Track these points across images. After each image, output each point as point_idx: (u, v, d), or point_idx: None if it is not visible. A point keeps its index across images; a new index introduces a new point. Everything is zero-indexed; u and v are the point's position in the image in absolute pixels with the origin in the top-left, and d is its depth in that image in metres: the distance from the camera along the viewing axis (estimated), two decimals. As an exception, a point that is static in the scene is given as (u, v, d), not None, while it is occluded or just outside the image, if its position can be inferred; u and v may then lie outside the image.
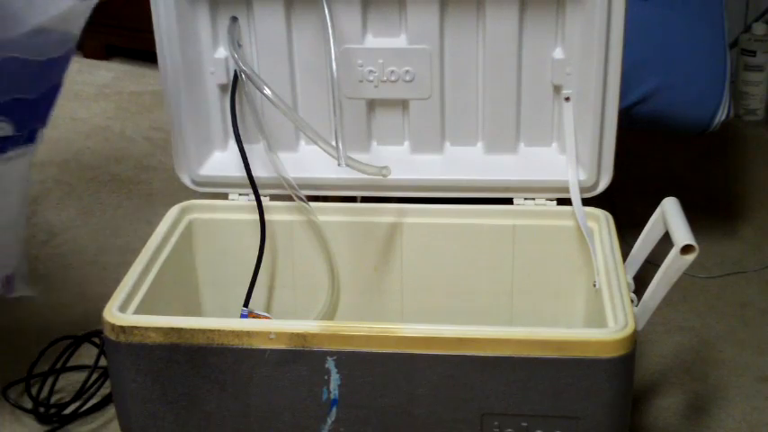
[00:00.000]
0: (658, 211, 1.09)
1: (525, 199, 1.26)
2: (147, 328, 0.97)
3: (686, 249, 0.99)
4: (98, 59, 2.62)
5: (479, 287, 1.27)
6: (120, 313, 1.01)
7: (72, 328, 1.43)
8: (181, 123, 1.24)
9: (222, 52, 1.25)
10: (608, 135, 1.22)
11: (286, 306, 1.31)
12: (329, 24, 1.19)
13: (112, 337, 0.99)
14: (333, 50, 1.18)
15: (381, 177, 1.24)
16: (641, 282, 1.09)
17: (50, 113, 0.98)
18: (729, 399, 1.31)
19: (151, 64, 2.45)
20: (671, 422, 1.27)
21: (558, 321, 1.24)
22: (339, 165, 1.18)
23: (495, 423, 0.97)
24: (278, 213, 1.26)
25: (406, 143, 1.30)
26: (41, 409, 1.30)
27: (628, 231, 1.30)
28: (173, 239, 1.20)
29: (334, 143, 1.20)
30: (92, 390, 1.32)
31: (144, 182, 1.91)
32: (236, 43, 1.22)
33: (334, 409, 0.98)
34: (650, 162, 1.91)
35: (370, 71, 1.25)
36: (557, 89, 1.24)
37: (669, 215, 1.06)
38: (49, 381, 1.33)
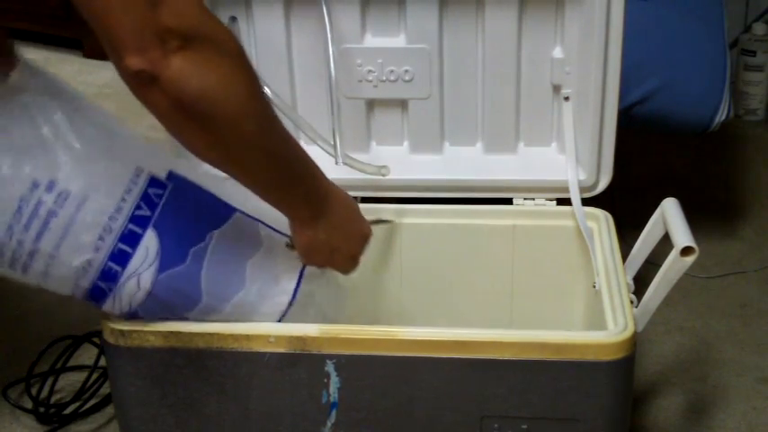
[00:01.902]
0: (658, 211, 1.09)
1: (525, 199, 1.26)
2: (146, 332, 0.97)
3: (686, 251, 0.99)
4: (98, 59, 2.62)
5: (479, 287, 1.27)
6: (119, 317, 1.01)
7: (72, 328, 1.43)
8: (180, 124, 1.24)
9: (221, 53, 1.25)
10: (608, 135, 1.22)
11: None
12: (327, 24, 1.19)
13: (111, 340, 0.98)
14: (331, 50, 1.18)
15: (380, 177, 1.24)
16: (641, 281, 1.08)
17: None
18: (729, 399, 1.31)
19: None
20: (671, 422, 1.27)
21: (558, 322, 1.24)
22: (336, 163, 1.18)
23: (495, 426, 0.97)
24: (277, 214, 1.26)
25: (406, 143, 1.30)
26: (41, 409, 1.30)
27: (628, 231, 1.30)
28: (172, 240, 1.19)
29: (332, 142, 1.20)
30: (92, 390, 1.32)
31: (143, 181, 1.91)
32: (235, 44, 1.22)
33: (333, 412, 0.98)
34: (650, 162, 1.91)
35: (370, 71, 1.24)
36: (556, 89, 1.24)
37: (669, 216, 1.05)
38: (49, 381, 1.33)
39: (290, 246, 0.99)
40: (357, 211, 1.01)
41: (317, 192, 0.93)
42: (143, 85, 0.75)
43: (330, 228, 0.96)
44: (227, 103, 0.77)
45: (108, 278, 0.92)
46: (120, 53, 0.73)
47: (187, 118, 0.76)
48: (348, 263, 1.03)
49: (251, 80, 0.79)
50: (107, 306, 0.95)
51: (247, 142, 0.81)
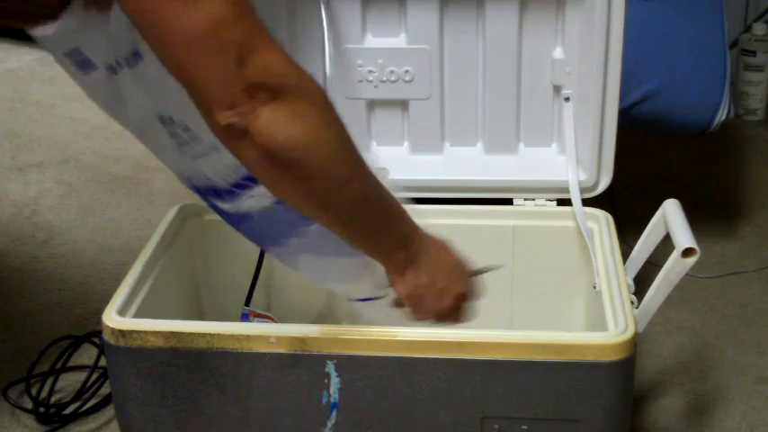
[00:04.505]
0: (659, 212, 1.09)
1: (525, 199, 1.26)
2: (146, 332, 0.97)
3: (687, 252, 0.99)
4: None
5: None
6: (119, 317, 1.01)
7: (72, 328, 1.43)
8: (180, 124, 1.24)
9: (222, 53, 1.25)
10: (608, 135, 1.22)
11: (286, 307, 1.30)
12: (325, 23, 1.19)
13: (112, 341, 0.99)
14: (328, 49, 1.18)
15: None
16: (642, 281, 1.08)
17: None
18: (729, 399, 1.30)
19: (150, 62, 2.43)
20: (671, 423, 1.27)
21: (558, 322, 1.24)
22: None
23: (496, 426, 0.97)
24: (278, 214, 1.26)
25: (406, 143, 1.30)
26: (41, 409, 1.30)
27: (628, 232, 1.30)
28: (172, 240, 1.19)
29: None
30: (92, 390, 1.32)
31: (144, 182, 1.91)
32: (235, 44, 1.22)
33: (334, 413, 0.98)
34: (650, 162, 1.91)
35: (370, 71, 1.25)
36: (557, 89, 1.24)
37: (670, 217, 1.05)
38: (49, 381, 1.33)
39: (398, 304, 0.96)
40: (450, 247, 0.98)
41: (408, 232, 0.92)
42: (234, 138, 0.76)
43: (430, 268, 0.94)
44: (317, 151, 0.78)
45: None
46: (210, 108, 0.75)
47: (279, 168, 0.78)
48: (459, 305, 0.97)
49: (339, 127, 0.80)
50: None
51: (340, 189, 0.82)
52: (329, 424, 0.99)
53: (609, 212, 1.21)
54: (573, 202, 1.22)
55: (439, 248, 0.96)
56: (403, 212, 0.92)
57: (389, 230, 0.90)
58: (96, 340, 1.38)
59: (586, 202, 1.22)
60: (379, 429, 0.99)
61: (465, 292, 0.97)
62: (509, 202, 1.26)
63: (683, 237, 1.00)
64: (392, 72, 1.24)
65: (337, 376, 0.96)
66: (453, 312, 0.97)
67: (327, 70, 1.19)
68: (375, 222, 0.88)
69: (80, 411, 1.30)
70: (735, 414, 1.28)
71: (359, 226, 0.87)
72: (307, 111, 0.77)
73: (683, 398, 1.31)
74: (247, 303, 1.24)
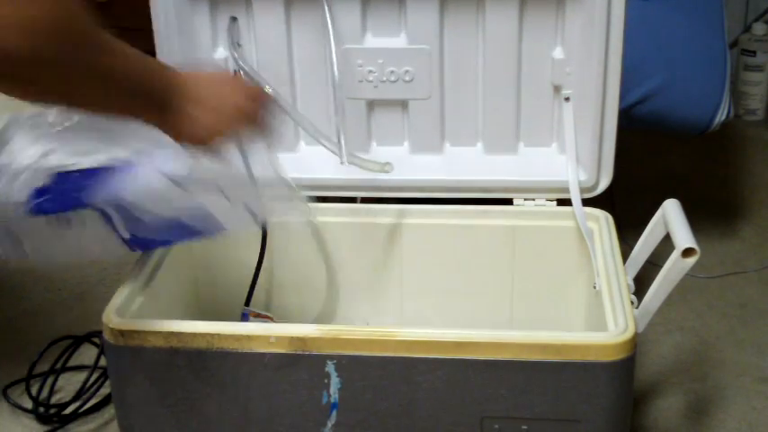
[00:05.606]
0: (659, 212, 1.09)
1: (525, 199, 1.26)
2: (146, 332, 0.97)
3: (687, 252, 0.99)
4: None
5: (479, 288, 1.27)
6: (119, 317, 1.01)
7: (72, 328, 1.43)
8: (180, 124, 1.24)
9: (222, 52, 1.25)
10: (608, 135, 1.22)
11: (285, 307, 1.31)
12: (329, 24, 1.19)
13: (112, 341, 0.99)
14: (333, 49, 1.18)
15: (385, 173, 1.23)
16: (642, 282, 1.08)
17: None
18: (729, 399, 1.31)
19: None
20: (671, 423, 1.27)
21: (558, 322, 1.24)
22: (342, 162, 1.18)
23: (496, 426, 0.97)
24: (278, 214, 1.26)
25: (406, 143, 1.30)
26: (41, 409, 1.30)
27: (628, 232, 1.30)
28: (172, 240, 1.20)
29: (335, 141, 1.20)
30: (92, 390, 1.32)
31: (143, 181, 1.91)
32: (235, 43, 1.22)
33: (334, 413, 0.98)
34: (650, 162, 1.91)
35: (370, 71, 1.24)
36: (557, 89, 1.24)
37: (670, 217, 1.05)
38: (49, 381, 1.33)
39: (191, 151, 0.91)
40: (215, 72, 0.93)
41: (164, 86, 0.84)
42: None
43: (194, 98, 0.87)
44: (22, 40, 0.67)
45: None
46: None
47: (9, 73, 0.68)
48: (247, 112, 0.92)
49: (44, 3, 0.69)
50: None
51: (62, 70, 0.72)
52: (329, 424, 0.99)
53: (609, 212, 1.21)
54: (573, 202, 1.21)
55: (198, 78, 0.90)
56: (154, 70, 0.84)
57: (145, 97, 0.82)
58: (96, 340, 1.38)
59: (586, 202, 1.22)
60: (379, 429, 0.99)
61: (244, 96, 0.92)
62: (509, 202, 1.26)
63: (683, 237, 1.00)
64: (392, 72, 1.24)
65: (337, 376, 0.97)
66: (245, 121, 0.92)
67: (335, 70, 1.19)
68: (121, 89, 0.79)
69: (80, 411, 1.30)
70: (735, 414, 1.28)
71: (107, 103, 0.80)
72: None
73: (683, 398, 1.31)
74: (247, 303, 1.24)
